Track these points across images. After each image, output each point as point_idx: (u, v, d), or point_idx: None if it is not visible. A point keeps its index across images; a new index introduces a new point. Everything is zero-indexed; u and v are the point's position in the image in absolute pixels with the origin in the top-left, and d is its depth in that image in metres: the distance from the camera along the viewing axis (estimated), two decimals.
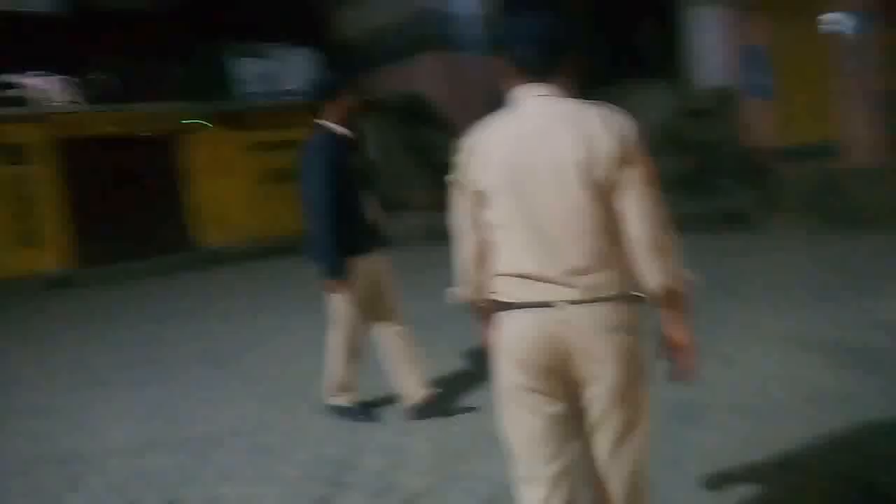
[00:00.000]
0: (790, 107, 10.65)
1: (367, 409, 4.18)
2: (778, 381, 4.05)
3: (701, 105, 11.26)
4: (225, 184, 14.62)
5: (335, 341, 4.01)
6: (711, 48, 11.48)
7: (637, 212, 1.78)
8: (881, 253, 7.25)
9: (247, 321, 7.65)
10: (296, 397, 4.72)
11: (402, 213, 15.03)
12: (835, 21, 10.13)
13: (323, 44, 16.22)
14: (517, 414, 1.90)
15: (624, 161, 1.77)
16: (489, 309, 1.96)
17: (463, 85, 14.16)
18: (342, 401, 4.12)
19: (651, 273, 1.80)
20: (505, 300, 1.87)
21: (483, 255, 1.93)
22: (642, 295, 1.84)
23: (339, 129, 3.77)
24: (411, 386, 4.03)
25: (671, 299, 1.84)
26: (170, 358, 6.31)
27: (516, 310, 1.84)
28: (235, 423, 4.41)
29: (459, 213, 1.95)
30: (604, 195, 1.78)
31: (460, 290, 2.03)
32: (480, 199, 1.88)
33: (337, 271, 3.71)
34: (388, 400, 4.32)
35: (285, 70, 15.33)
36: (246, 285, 10.66)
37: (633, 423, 1.87)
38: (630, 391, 1.83)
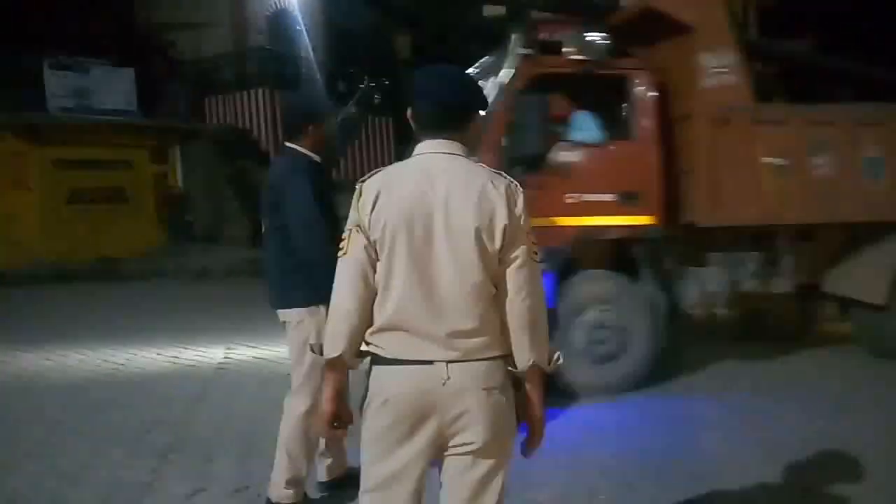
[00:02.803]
0: None
1: None
2: None
3: None
4: (19, 200, 13.52)
5: (296, 413, 3.28)
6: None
7: (519, 287, 1.85)
8: None
9: (34, 351, 7.04)
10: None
11: (218, 247, 14.69)
12: None
13: (147, 66, 15.69)
14: (382, 454, 1.86)
15: (515, 234, 1.84)
16: (347, 368, 1.92)
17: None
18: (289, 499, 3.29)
19: (523, 350, 1.87)
20: (383, 355, 1.86)
21: (364, 308, 1.87)
22: (514, 369, 1.90)
23: (315, 157, 3.45)
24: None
25: (537, 377, 1.92)
26: None
27: (394, 365, 1.84)
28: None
29: (350, 259, 1.88)
30: (492, 264, 1.83)
31: (330, 345, 1.88)
32: (373, 247, 1.85)
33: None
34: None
35: (103, 87, 14.59)
36: (37, 311, 9.86)
37: (494, 472, 1.90)
38: (496, 446, 1.88)
